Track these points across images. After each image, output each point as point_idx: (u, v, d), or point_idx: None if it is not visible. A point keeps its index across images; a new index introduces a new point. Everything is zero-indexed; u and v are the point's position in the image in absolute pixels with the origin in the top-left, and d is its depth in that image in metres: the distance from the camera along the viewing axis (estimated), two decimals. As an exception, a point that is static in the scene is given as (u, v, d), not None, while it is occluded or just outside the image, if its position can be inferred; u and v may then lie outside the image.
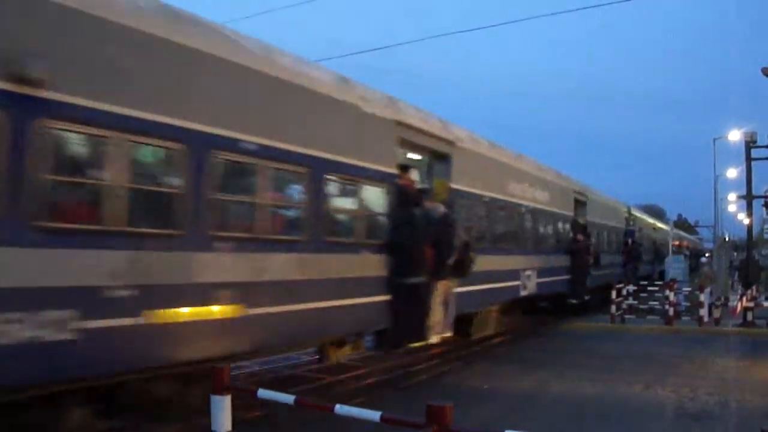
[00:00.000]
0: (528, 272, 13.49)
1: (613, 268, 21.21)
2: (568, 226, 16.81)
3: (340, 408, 3.67)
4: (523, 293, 13.27)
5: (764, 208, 25.74)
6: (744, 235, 25.63)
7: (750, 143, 19.59)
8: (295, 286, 6.71)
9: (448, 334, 9.59)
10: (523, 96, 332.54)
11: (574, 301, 16.55)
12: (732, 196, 37.80)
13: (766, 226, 28.86)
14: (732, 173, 33.02)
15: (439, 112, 11.41)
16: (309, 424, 6.53)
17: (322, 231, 7.12)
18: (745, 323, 15.73)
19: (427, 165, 10.26)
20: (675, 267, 24.63)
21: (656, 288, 19.18)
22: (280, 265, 6.54)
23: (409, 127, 9.01)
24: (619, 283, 17.53)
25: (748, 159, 19.68)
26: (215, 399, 4.21)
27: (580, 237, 16.75)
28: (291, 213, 7.04)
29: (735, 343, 13.65)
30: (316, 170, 7.00)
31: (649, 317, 17.06)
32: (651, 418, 7.52)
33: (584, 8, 14.84)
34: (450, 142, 10.21)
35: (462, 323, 10.69)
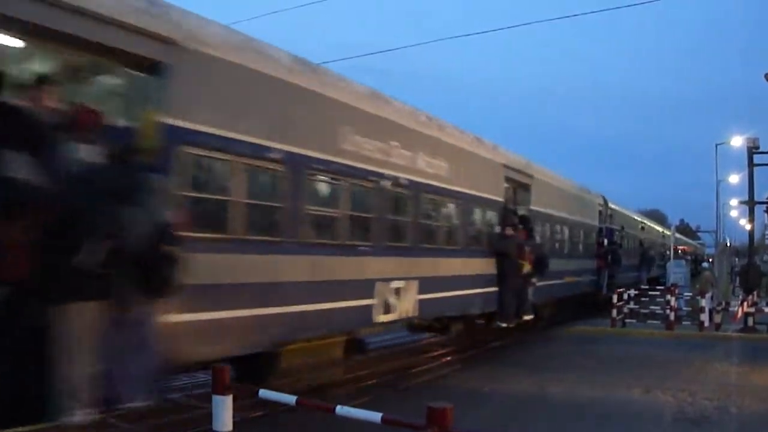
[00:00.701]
0: (395, 284, 8.85)
1: (579, 276, 17.81)
2: (494, 215, 12.11)
3: (340, 409, 3.68)
4: (385, 318, 8.67)
5: (766, 214, 25.73)
6: (745, 240, 25.65)
7: (752, 149, 19.58)
8: None
9: (141, 404, 4.92)
10: (524, 98, 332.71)
11: (503, 325, 12.01)
12: (734, 202, 37.84)
13: (767, 232, 28.83)
14: (734, 179, 32.97)
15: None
16: (309, 424, 6.54)
17: None
18: (745, 328, 15.76)
19: (127, 85, 5.73)
20: (676, 272, 24.72)
21: (657, 292, 19.16)
22: None
23: None
24: (593, 294, 16.50)
25: (751, 165, 19.65)
26: (216, 399, 4.20)
27: (509, 232, 11.97)
28: None
29: (735, 348, 13.62)
30: None
31: (650, 321, 17.01)
32: (650, 421, 7.52)
33: (588, 12, 14.88)
34: (167, 41, 5.56)
35: (248, 371, 6.75)
